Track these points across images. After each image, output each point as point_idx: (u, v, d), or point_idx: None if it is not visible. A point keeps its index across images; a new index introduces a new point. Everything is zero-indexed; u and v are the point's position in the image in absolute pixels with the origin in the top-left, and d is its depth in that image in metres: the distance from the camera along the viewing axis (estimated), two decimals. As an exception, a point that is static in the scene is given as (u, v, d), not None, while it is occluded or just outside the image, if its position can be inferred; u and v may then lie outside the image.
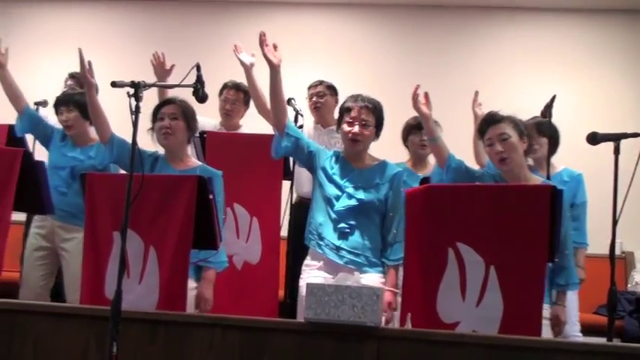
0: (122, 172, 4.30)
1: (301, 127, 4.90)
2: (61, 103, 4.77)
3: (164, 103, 4.11)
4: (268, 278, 4.72)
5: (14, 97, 4.75)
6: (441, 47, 7.63)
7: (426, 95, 4.01)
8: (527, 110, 4.49)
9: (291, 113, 4.51)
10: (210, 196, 3.62)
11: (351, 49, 7.68)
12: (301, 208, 4.71)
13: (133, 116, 3.18)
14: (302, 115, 5.05)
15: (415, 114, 4.20)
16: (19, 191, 4.06)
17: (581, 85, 7.43)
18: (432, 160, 4.56)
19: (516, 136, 3.78)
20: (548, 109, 4.52)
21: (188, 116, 4.05)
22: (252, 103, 5.08)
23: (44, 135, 4.86)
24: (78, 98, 4.74)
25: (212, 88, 4.16)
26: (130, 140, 3.32)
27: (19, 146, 4.75)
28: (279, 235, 4.83)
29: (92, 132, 4.73)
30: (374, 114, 4.04)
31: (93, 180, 3.79)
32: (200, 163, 4.16)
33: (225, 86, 5.48)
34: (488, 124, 3.83)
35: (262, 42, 3.96)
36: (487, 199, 3.39)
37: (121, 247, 3.07)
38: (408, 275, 3.55)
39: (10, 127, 4.98)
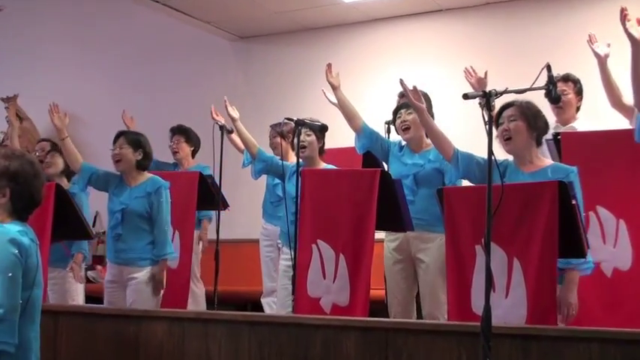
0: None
1: None
2: (401, 107, 4.80)
3: (505, 107, 3.92)
4: (641, 285, 4.38)
5: (350, 116, 4.88)
6: None
7: None
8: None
9: None
10: (573, 202, 3.44)
11: None
12: None
13: (487, 126, 3.13)
14: None
15: None
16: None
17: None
18: None
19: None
20: None
21: (529, 116, 3.84)
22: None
23: (382, 149, 4.88)
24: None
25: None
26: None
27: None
28: (652, 237, 4.46)
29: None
30: None
31: (451, 194, 3.79)
32: (552, 162, 3.91)
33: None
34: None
35: None
36: None
37: (485, 261, 3.01)
38: None
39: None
